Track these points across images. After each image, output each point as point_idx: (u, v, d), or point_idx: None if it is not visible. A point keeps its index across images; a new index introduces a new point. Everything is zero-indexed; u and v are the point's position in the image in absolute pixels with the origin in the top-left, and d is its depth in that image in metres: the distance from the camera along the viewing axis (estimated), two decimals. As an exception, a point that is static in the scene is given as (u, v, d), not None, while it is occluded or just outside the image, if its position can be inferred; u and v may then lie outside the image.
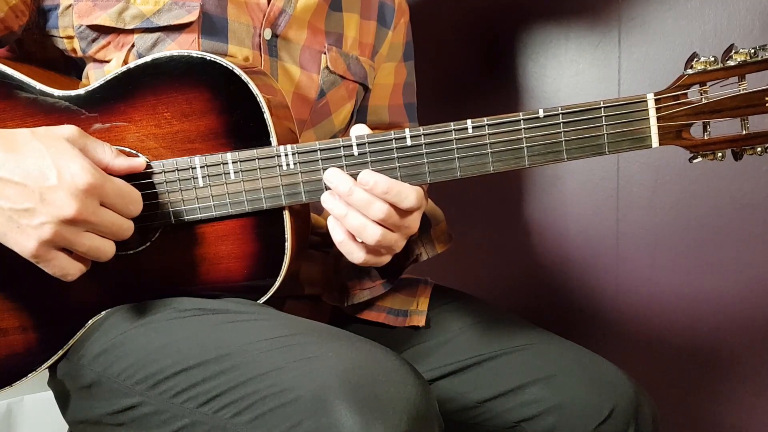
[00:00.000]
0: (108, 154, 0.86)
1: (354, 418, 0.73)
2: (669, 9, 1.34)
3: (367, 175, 0.87)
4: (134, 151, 0.92)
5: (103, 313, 0.96)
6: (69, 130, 0.84)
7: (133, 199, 0.85)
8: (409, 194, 0.87)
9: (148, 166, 0.91)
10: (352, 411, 0.73)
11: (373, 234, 0.86)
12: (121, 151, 0.92)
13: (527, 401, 0.99)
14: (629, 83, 1.40)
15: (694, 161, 0.90)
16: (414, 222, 0.90)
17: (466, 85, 1.60)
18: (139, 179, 0.93)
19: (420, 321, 1.08)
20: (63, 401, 1.00)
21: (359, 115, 1.21)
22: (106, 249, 0.84)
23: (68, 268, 0.83)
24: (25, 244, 0.80)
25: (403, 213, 0.88)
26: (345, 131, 1.16)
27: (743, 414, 1.38)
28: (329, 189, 0.89)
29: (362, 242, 0.88)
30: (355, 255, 0.89)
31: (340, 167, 0.89)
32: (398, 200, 0.87)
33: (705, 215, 1.36)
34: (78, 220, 0.80)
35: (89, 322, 0.96)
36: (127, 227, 0.85)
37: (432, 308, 1.10)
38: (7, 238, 0.81)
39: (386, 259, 0.92)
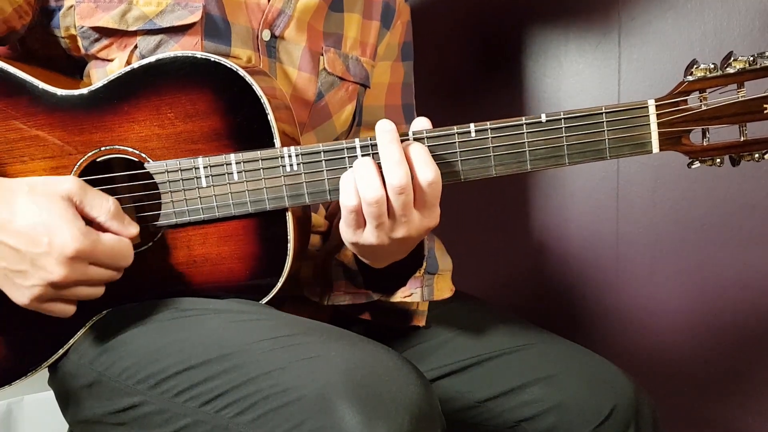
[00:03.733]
0: (104, 212, 0.88)
1: (357, 418, 0.73)
2: (669, 9, 1.34)
3: (412, 141, 0.88)
4: (138, 152, 0.92)
5: (104, 312, 0.96)
6: (68, 185, 0.86)
7: (124, 254, 0.89)
8: (432, 167, 0.86)
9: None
10: (354, 410, 0.73)
11: (375, 189, 0.85)
12: (122, 150, 0.92)
13: (527, 401, 0.99)
14: (629, 83, 1.40)
15: (693, 166, 0.91)
16: (413, 223, 0.88)
17: (466, 86, 1.60)
18: (142, 179, 0.93)
19: (420, 321, 1.08)
20: (63, 400, 1.00)
21: (358, 115, 1.20)
22: (96, 294, 0.90)
23: (60, 313, 0.89)
24: (19, 299, 0.87)
25: (417, 193, 0.87)
26: (347, 134, 1.16)
27: (743, 414, 1.39)
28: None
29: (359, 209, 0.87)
30: (347, 199, 0.87)
31: (344, 169, 0.89)
32: (421, 165, 0.86)
33: (705, 215, 1.36)
34: (66, 284, 0.85)
35: (90, 321, 0.96)
36: (116, 276, 0.90)
37: (432, 308, 1.10)
38: (4, 289, 0.87)
39: (365, 235, 0.89)
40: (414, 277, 1.00)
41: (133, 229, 0.90)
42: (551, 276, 1.54)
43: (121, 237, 0.89)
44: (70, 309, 0.89)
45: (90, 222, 0.87)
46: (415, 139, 0.89)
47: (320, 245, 1.14)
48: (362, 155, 0.89)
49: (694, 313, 1.40)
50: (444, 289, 1.05)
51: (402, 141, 0.87)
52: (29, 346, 0.96)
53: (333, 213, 1.16)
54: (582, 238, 1.50)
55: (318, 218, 1.14)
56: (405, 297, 1.01)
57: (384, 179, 0.85)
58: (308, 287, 1.07)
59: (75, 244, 0.83)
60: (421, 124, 0.90)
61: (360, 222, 0.88)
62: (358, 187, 0.85)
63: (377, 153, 0.88)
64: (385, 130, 0.86)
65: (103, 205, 0.88)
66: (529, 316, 1.15)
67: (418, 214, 0.87)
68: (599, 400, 0.98)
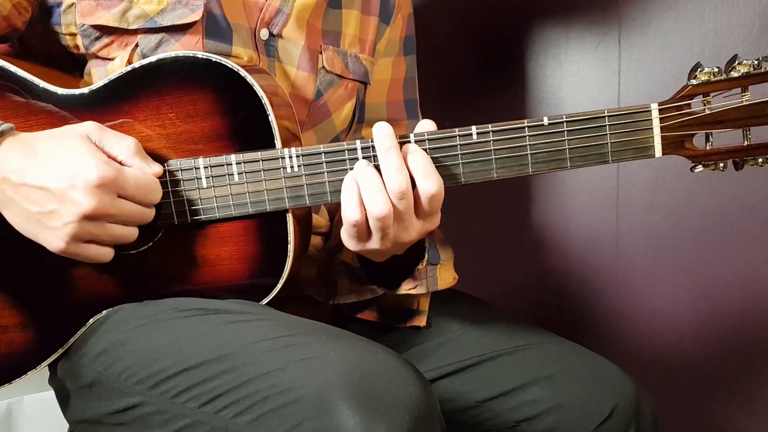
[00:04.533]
0: (124, 149, 0.89)
1: (356, 419, 0.73)
2: (669, 9, 1.34)
3: (412, 145, 0.88)
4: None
5: (104, 312, 0.96)
6: (86, 126, 0.88)
7: (151, 188, 0.89)
8: (434, 179, 0.86)
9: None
10: (353, 411, 0.73)
11: (382, 206, 0.85)
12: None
13: (528, 401, 0.99)
14: (629, 83, 1.40)
15: (696, 170, 0.91)
16: (415, 227, 0.88)
17: (467, 86, 1.60)
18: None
19: (421, 321, 1.08)
20: (64, 400, 1.00)
21: (358, 113, 1.19)
22: (130, 235, 0.90)
23: (98, 257, 0.89)
24: (55, 243, 0.87)
25: (417, 202, 0.87)
26: (347, 132, 1.16)
27: (744, 413, 1.39)
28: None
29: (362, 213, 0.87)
30: (350, 213, 0.87)
31: (345, 170, 0.89)
32: (424, 175, 0.86)
33: (705, 215, 1.36)
34: (97, 215, 0.85)
35: (90, 320, 0.96)
36: (148, 214, 0.90)
37: (433, 308, 1.09)
38: (39, 238, 0.87)
39: (368, 245, 0.89)
40: (417, 269, 1.00)
41: (156, 166, 0.90)
42: (551, 276, 1.54)
43: (147, 174, 0.89)
44: (107, 252, 0.89)
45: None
46: (416, 141, 0.88)
47: (322, 246, 1.14)
48: (363, 157, 0.89)
49: (694, 313, 1.40)
50: (447, 278, 1.05)
51: (403, 143, 0.88)
52: (29, 345, 0.96)
53: (333, 211, 1.16)
54: (582, 238, 1.50)
55: (319, 219, 1.14)
56: (410, 289, 1.00)
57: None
58: (313, 288, 1.07)
59: (98, 171, 0.84)
60: (426, 126, 0.90)
61: (363, 235, 0.88)
62: (366, 201, 0.85)
63: (377, 155, 0.87)
64: (384, 135, 0.86)
65: (122, 144, 0.89)
66: (529, 316, 1.15)
67: (419, 220, 0.88)
68: (600, 400, 0.97)
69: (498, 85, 1.55)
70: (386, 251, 0.91)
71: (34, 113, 0.92)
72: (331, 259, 1.05)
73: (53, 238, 0.86)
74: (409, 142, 0.88)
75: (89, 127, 0.88)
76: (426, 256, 0.99)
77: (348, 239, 0.90)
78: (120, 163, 0.88)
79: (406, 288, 1.00)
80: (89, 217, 0.84)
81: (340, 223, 0.91)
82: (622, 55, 1.40)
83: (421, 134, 0.89)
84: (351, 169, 0.88)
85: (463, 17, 1.59)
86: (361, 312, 1.09)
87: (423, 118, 1.23)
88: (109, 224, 0.87)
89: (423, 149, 0.88)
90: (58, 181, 0.84)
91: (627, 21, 1.39)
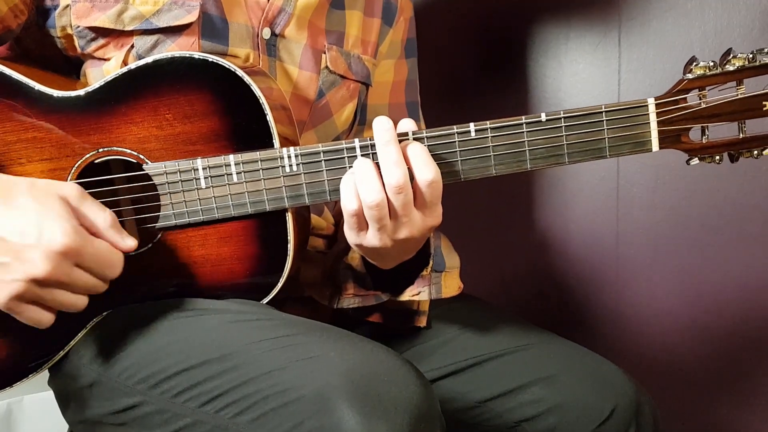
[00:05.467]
0: (101, 221, 0.86)
1: (356, 418, 0.73)
2: (669, 9, 1.34)
3: (414, 143, 0.88)
4: (136, 153, 0.92)
5: (104, 313, 0.96)
6: (69, 189, 0.85)
7: (112, 263, 0.86)
8: (432, 167, 0.86)
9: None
10: (354, 411, 0.73)
11: (375, 193, 0.84)
12: (120, 152, 0.92)
13: (528, 401, 0.99)
14: (629, 83, 1.40)
15: (692, 163, 0.91)
16: (415, 223, 0.88)
17: (467, 85, 1.60)
18: (141, 181, 0.93)
19: (421, 322, 1.08)
20: (63, 401, 1.00)
21: (360, 114, 1.19)
22: (77, 304, 0.85)
23: (37, 320, 0.84)
24: None
25: (417, 193, 0.87)
26: (348, 133, 1.16)
27: (744, 413, 1.39)
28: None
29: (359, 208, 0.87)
30: (348, 202, 0.87)
31: (344, 169, 0.89)
32: (421, 165, 0.86)
33: (705, 215, 1.36)
34: (49, 281, 0.81)
35: (91, 322, 0.96)
36: (101, 287, 0.86)
37: (433, 308, 1.10)
38: None
39: (367, 237, 0.89)
40: (421, 275, 1.00)
41: (130, 242, 0.87)
42: (551, 276, 1.54)
43: (112, 249, 0.86)
44: (46, 317, 0.84)
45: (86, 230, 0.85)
46: (416, 139, 0.89)
47: (324, 248, 1.14)
48: (362, 155, 0.89)
49: (694, 313, 1.40)
50: (452, 286, 1.04)
51: (402, 140, 0.87)
52: (30, 348, 0.95)
53: (338, 214, 1.16)
54: (582, 238, 1.50)
55: (320, 221, 1.14)
56: (413, 296, 1.00)
57: (383, 181, 0.85)
58: (317, 291, 1.07)
59: (65, 239, 0.80)
60: (407, 126, 0.90)
61: (362, 225, 0.88)
62: (359, 190, 0.85)
63: (376, 153, 0.87)
64: (383, 129, 0.86)
65: (99, 215, 0.86)
66: (529, 316, 1.15)
67: (419, 213, 0.87)
68: (600, 401, 0.97)
69: (498, 85, 1.56)
70: (391, 251, 0.91)
71: (30, 116, 0.91)
72: (336, 262, 1.05)
73: None
74: (408, 139, 0.88)
75: (71, 190, 0.85)
76: (431, 262, 0.99)
77: (348, 231, 0.90)
78: (94, 234, 0.85)
79: (410, 294, 1.00)
80: (40, 282, 0.81)
81: (343, 224, 0.91)
82: (622, 55, 1.40)
83: (419, 132, 0.89)
84: (350, 167, 0.88)
85: (463, 17, 1.59)
86: (366, 315, 1.09)
87: (424, 118, 1.24)
88: (57, 290, 0.83)
89: (367, 154, 0.89)
90: (21, 236, 0.80)
91: (627, 21, 1.39)
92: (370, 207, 0.84)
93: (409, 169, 0.86)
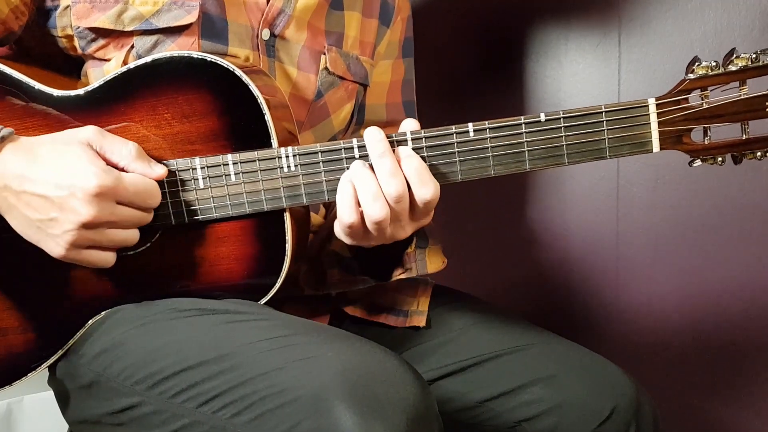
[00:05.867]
0: (126, 155, 0.89)
1: (353, 419, 0.73)
2: (669, 9, 1.34)
3: (406, 149, 0.88)
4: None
5: (103, 313, 0.96)
6: (87, 132, 0.89)
7: (151, 193, 0.90)
8: (431, 186, 0.86)
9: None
10: (351, 411, 0.73)
11: (380, 210, 0.85)
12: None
13: (528, 401, 0.99)
14: (629, 83, 1.40)
15: (694, 165, 0.90)
16: (408, 227, 0.89)
17: (467, 85, 1.60)
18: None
19: (420, 321, 1.08)
20: (63, 401, 1.00)
21: (357, 114, 1.20)
22: (131, 238, 0.90)
23: (99, 262, 0.90)
24: (55, 250, 0.88)
25: (413, 205, 0.87)
26: (345, 132, 1.16)
27: (744, 413, 1.38)
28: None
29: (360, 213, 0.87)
30: (346, 215, 0.87)
31: (342, 169, 0.89)
32: (419, 182, 0.86)
33: (705, 215, 1.36)
34: (96, 223, 0.86)
35: (89, 322, 0.96)
36: (147, 218, 0.91)
37: (432, 308, 1.10)
38: (41, 244, 0.88)
39: (363, 242, 0.90)
40: (406, 253, 1.01)
41: (159, 169, 0.91)
42: (551, 276, 1.54)
43: (146, 174, 0.89)
44: (108, 257, 0.90)
45: (113, 167, 0.88)
46: (413, 139, 0.88)
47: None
48: (359, 155, 0.89)
49: (694, 313, 1.40)
50: (436, 262, 1.06)
51: (399, 142, 0.88)
52: (29, 347, 0.96)
53: (331, 209, 1.16)
54: (582, 238, 1.49)
55: (318, 218, 1.14)
56: (400, 274, 1.01)
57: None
58: (303, 279, 1.07)
59: (96, 180, 0.84)
60: (410, 125, 0.90)
61: (358, 235, 0.89)
62: (364, 206, 0.86)
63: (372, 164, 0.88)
64: (376, 140, 0.87)
65: (123, 149, 0.89)
66: (529, 316, 1.15)
67: (413, 221, 0.89)
68: (600, 400, 0.97)
69: (498, 85, 1.55)
70: (377, 242, 0.92)
71: (30, 115, 0.92)
72: (321, 249, 1.05)
73: (54, 245, 0.87)
74: (406, 140, 0.88)
75: (90, 133, 0.88)
76: (414, 239, 1.00)
77: (343, 236, 0.91)
78: (121, 168, 0.88)
79: (397, 274, 1.01)
80: (88, 225, 0.85)
81: (332, 217, 0.91)
82: (622, 55, 1.40)
83: (417, 132, 0.89)
84: (347, 168, 0.88)
85: (463, 17, 1.59)
86: (358, 311, 1.10)
87: (424, 118, 1.24)
88: (108, 230, 0.88)
89: (419, 147, 0.89)
90: (58, 189, 0.84)
91: (627, 21, 1.39)
92: (376, 222, 0.85)
93: (408, 185, 0.86)
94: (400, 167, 0.86)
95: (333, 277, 1.03)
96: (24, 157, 0.86)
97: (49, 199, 0.85)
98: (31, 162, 0.86)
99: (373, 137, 0.87)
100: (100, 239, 0.88)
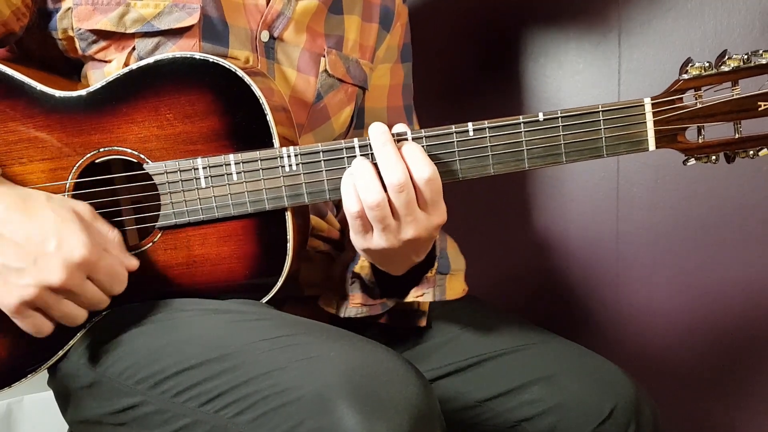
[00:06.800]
0: (111, 239, 0.89)
1: (356, 418, 0.73)
2: (669, 9, 1.34)
3: (409, 142, 0.88)
4: (136, 153, 0.92)
5: (104, 312, 0.95)
6: (83, 207, 0.89)
7: (119, 279, 0.89)
8: (428, 165, 0.86)
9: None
10: (353, 410, 0.73)
11: (374, 194, 0.85)
12: (121, 152, 0.92)
13: (528, 401, 1.00)
14: (629, 83, 1.40)
15: (688, 163, 0.92)
16: (420, 222, 0.88)
17: (466, 85, 1.60)
18: (141, 180, 0.93)
19: (421, 321, 1.08)
20: (63, 401, 1.00)
21: (357, 118, 1.20)
22: (80, 317, 0.88)
23: (39, 328, 0.86)
24: (6, 300, 0.84)
25: (417, 192, 0.87)
26: (345, 136, 1.16)
27: (743, 413, 1.39)
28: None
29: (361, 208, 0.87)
30: (349, 205, 0.87)
31: (343, 169, 0.90)
32: (417, 163, 0.86)
33: (705, 215, 1.36)
34: (61, 290, 0.84)
35: (90, 322, 0.95)
36: (105, 302, 0.89)
37: (433, 308, 1.10)
38: None
39: (374, 240, 0.89)
40: (426, 277, 1.00)
41: (134, 261, 0.91)
42: (551, 276, 1.54)
43: (121, 265, 0.89)
44: (47, 327, 0.87)
45: None
46: (414, 139, 0.89)
47: (324, 249, 1.14)
48: (361, 155, 0.89)
49: (694, 313, 1.40)
50: (456, 289, 1.05)
51: (399, 141, 0.88)
52: (29, 347, 0.96)
53: (344, 220, 1.16)
54: (582, 238, 1.50)
55: (321, 222, 1.14)
56: (417, 297, 1.00)
57: (383, 181, 0.85)
58: (324, 300, 1.07)
59: (84, 251, 0.83)
60: (400, 129, 0.90)
61: (367, 227, 0.88)
62: (358, 191, 0.86)
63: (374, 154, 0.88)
64: (379, 132, 0.87)
65: (109, 233, 0.89)
66: (529, 316, 1.15)
67: (423, 212, 0.88)
68: (599, 400, 0.98)
69: (498, 85, 1.55)
70: (399, 255, 0.91)
71: (31, 116, 0.92)
72: (344, 271, 1.05)
73: (6, 293, 0.83)
74: (406, 139, 0.89)
75: (85, 208, 0.89)
76: (436, 264, 0.99)
77: (354, 236, 0.90)
78: (104, 250, 0.88)
79: (414, 295, 1.00)
80: (53, 289, 0.83)
81: (349, 231, 0.91)
82: (622, 55, 1.40)
83: (418, 131, 0.89)
84: (349, 167, 0.89)
85: (463, 17, 1.59)
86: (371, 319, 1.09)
87: (424, 117, 1.24)
88: (65, 300, 0.85)
89: (420, 146, 0.89)
90: (40, 244, 0.83)
91: (627, 21, 1.39)
92: (371, 207, 0.85)
93: (407, 169, 0.86)
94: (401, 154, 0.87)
95: (355, 301, 1.02)
96: (11, 200, 0.85)
97: (24, 250, 0.83)
98: (18, 208, 0.85)
99: (378, 129, 0.88)
100: (54, 307, 0.85)
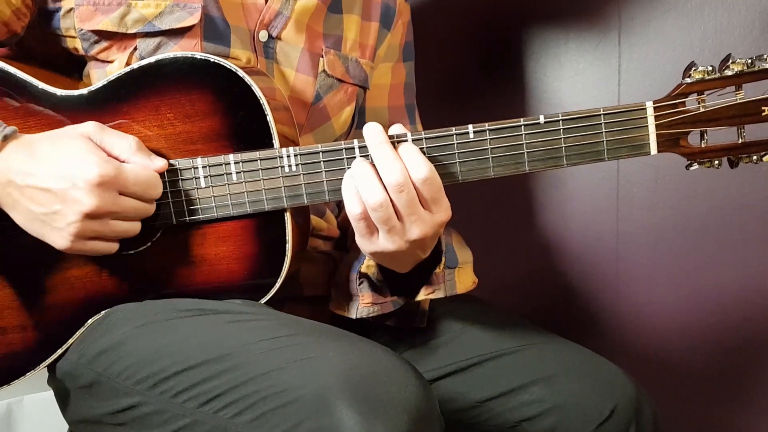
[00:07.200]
0: (126, 148, 0.90)
1: (355, 418, 0.73)
2: (669, 9, 1.34)
3: (405, 143, 0.88)
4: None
5: (102, 312, 0.96)
6: (87, 126, 0.90)
7: (151, 183, 0.90)
8: (423, 164, 0.86)
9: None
10: (353, 411, 0.73)
11: (376, 194, 0.85)
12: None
13: (528, 401, 0.99)
14: (629, 83, 1.40)
15: (691, 168, 0.92)
16: (424, 221, 0.87)
17: (467, 85, 1.60)
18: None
19: (421, 322, 1.08)
20: (63, 401, 1.00)
21: (358, 118, 1.20)
22: (133, 230, 0.91)
23: (103, 251, 0.91)
24: (60, 242, 0.88)
25: (418, 193, 0.87)
26: (347, 136, 1.16)
27: (744, 413, 1.39)
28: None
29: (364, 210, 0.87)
30: (351, 207, 0.87)
31: (342, 170, 0.90)
32: (413, 163, 0.86)
33: (705, 215, 1.36)
34: (99, 213, 0.87)
35: (89, 321, 0.96)
36: (149, 209, 0.92)
37: (433, 308, 1.09)
38: (45, 238, 0.89)
39: (380, 242, 0.89)
40: (435, 273, 1.00)
41: (159, 161, 0.92)
42: (551, 276, 1.54)
43: (146, 166, 0.90)
44: (112, 247, 0.91)
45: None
46: (414, 141, 0.89)
47: (324, 248, 1.14)
48: (360, 155, 0.89)
49: (694, 313, 1.40)
50: (466, 281, 1.05)
51: (400, 142, 0.88)
52: (28, 345, 0.96)
53: (345, 220, 1.16)
54: (582, 238, 1.49)
55: (321, 222, 1.14)
56: (428, 294, 1.00)
57: (383, 181, 0.85)
58: (335, 302, 1.06)
59: (98, 170, 0.85)
60: (396, 130, 0.90)
61: (371, 229, 0.88)
62: (360, 193, 0.86)
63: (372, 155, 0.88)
64: (374, 132, 0.87)
65: (123, 142, 0.90)
66: (529, 316, 1.15)
67: (426, 211, 0.88)
68: (600, 401, 0.97)
69: (498, 85, 1.55)
70: (406, 254, 0.91)
71: (33, 114, 0.92)
72: (351, 272, 1.05)
73: (58, 237, 0.88)
74: (406, 140, 0.89)
75: (90, 127, 0.89)
76: (443, 259, 0.99)
77: (360, 239, 0.90)
78: (122, 161, 0.89)
79: (425, 293, 1.00)
80: (91, 216, 0.86)
81: (353, 234, 0.91)
82: (622, 55, 1.40)
83: (418, 133, 0.89)
84: (349, 168, 0.89)
85: (463, 17, 1.59)
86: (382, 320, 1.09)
87: (423, 117, 1.24)
88: (111, 221, 0.88)
89: (419, 148, 0.89)
90: (60, 181, 0.85)
91: (627, 21, 1.39)
92: (374, 209, 0.85)
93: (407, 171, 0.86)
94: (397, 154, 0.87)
95: (365, 300, 1.02)
96: (26, 153, 0.87)
97: (51, 191, 0.85)
98: (33, 157, 0.86)
99: (372, 129, 0.88)
100: (103, 230, 0.88)
